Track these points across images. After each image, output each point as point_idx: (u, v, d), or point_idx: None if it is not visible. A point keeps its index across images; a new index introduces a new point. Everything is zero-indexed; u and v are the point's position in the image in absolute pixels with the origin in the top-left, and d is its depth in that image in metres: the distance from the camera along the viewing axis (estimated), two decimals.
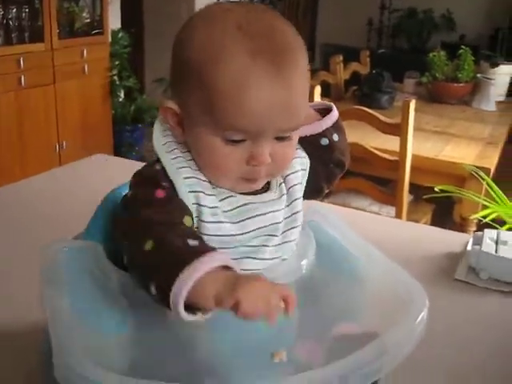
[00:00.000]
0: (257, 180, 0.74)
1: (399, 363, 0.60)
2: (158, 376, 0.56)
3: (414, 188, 2.69)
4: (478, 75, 3.75)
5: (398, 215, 2.53)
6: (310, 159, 0.83)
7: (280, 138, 0.71)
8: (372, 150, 2.47)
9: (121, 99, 4.73)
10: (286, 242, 0.78)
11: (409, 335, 0.64)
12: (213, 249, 0.63)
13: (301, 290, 0.74)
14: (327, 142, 0.84)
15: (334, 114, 0.85)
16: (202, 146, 0.71)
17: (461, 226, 2.61)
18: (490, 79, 3.71)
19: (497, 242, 1.31)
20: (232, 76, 0.66)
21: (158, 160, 0.74)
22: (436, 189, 2.00)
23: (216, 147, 0.70)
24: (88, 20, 4.36)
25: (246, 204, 0.74)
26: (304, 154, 0.83)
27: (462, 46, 3.71)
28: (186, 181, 0.71)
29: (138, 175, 0.74)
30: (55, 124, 4.02)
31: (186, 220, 0.69)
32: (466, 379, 0.99)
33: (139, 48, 5.68)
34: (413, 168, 2.47)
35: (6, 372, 0.93)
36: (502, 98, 3.89)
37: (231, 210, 0.73)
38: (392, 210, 2.60)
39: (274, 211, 0.76)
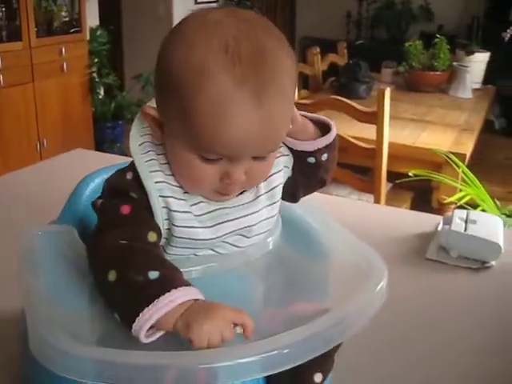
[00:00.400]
0: (230, 194, 0.73)
1: (371, 338, 0.63)
2: (125, 346, 0.59)
3: (394, 176, 2.73)
4: (454, 63, 3.80)
5: (377, 202, 2.56)
6: (292, 168, 0.82)
7: (257, 158, 0.70)
8: (349, 138, 2.50)
9: (101, 96, 4.73)
10: (256, 243, 0.78)
11: (368, 303, 0.67)
12: (173, 280, 0.64)
13: (267, 264, 0.78)
14: (314, 160, 0.81)
15: (331, 136, 0.81)
16: (177, 158, 0.70)
17: (439, 211, 2.65)
18: (466, 67, 3.76)
19: (466, 221, 1.35)
20: (211, 102, 0.64)
21: (131, 165, 0.73)
22: (410, 173, 2.04)
23: (191, 162, 0.69)
24: (66, 18, 4.36)
25: (218, 209, 0.74)
26: (288, 152, 0.81)
27: (438, 35, 3.75)
28: (157, 185, 0.71)
29: (107, 184, 0.75)
30: (35, 122, 4.02)
31: (151, 236, 0.69)
32: (437, 356, 1.02)
33: (118, 45, 5.67)
34: (390, 156, 2.50)
35: None
36: (478, 86, 3.95)
37: (203, 214, 0.74)
38: (371, 198, 2.63)
39: (248, 214, 0.76)
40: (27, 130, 3.98)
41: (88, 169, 0.95)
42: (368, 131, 2.55)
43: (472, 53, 3.92)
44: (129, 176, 0.73)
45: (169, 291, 0.61)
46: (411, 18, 7.21)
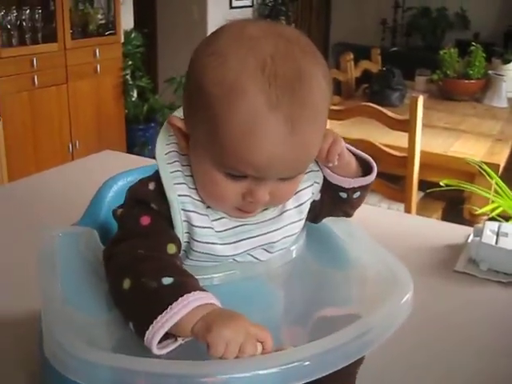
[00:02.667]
0: (252, 212, 0.72)
1: (397, 350, 0.61)
2: (141, 355, 0.58)
3: (425, 185, 2.69)
4: (490, 72, 3.74)
5: (408, 212, 2.53)
6: (321, 193, 0.80)
7: (284, 178, 0.69)
8: (380, 146, 2.47)
9: (134, 99, 4.76)
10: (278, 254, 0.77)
11: (392, 316, 0.65)
12: (186, 285, 0.62)
13: (289, 273, 0.76)
14: (345, 196, 0.80)
15: (371, 178, 0.80)
16: (201, 173, 0.69)
17: (470, 223, 2.60)
18: (502, 76, 3.70)
19: (497, 234, 1.32)
20: (243, 122, 0.62)
21: (154, 175, 0.72)
22: (441, 183, 2.00)
23: (215, 178, 0.67)
24: (103, 21, 4.41)
25: (240, 225, 0.73)
26: (317, 168, 0.78)
27: (473, 43, 3.70)
28: (180, 198, 0.70)
29: (129, 193, 0.74)
30: (68, 123, 4.06)
31: (170, 248, 0.68)
32: (465, 370, 0.99)
33: (152, 48, 5.71)
34: (422, 164, 2.46)
35: (6, 361, 0.95)
36: None
37: (224, 230, 0.72)
38: (402, 207, 2.60)
39: (271, 231, 0.74)
40: (60, 130, 4.02)
41: (115, 171, 0.95)
42: (400, 139, 2.52)
43: (508, 61, 3.85)
44: (151, 186, 0.71)
45: (182, 296, 0.60)
46: (447, 26, 7.15)
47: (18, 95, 3.68)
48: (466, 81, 3.69)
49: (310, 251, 0.79)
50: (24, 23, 3.79)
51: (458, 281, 1.25)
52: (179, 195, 0.70)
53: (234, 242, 0.72)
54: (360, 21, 7.54)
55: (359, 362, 0.71)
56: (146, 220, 0.69)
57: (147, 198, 0.70)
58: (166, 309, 0.59)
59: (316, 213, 0.81)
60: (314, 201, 0.80)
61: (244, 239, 0.73)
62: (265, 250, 0.75)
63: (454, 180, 2.14)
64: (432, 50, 6.29)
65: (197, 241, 0.71)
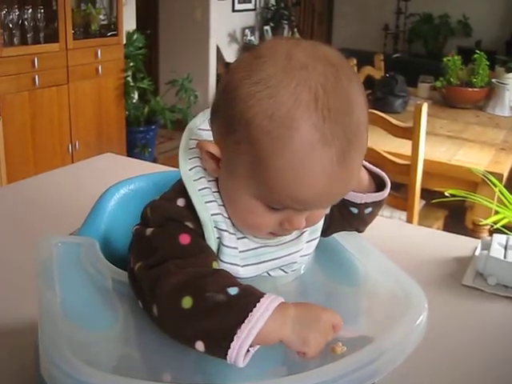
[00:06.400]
0: (282, 236, 0.71)
1: (403, 368, 0.58)
2: (144, 376, 0.55)
3: (428, 193, 2.66)
4: (493, 80, 3.72)
5: (410, 220, 2.50)
6: (331, 208, 0.78)
7: None
8: (383, 153, 2.45)
9: (134, 100, 4.74)
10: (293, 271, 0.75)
11: (406, 338, 0.62)
12: (254, 290, 0.60)
13: (298, 290, 0.73)
14: (356, 211, 0.79)
15: (384, 194, 0.79)
16: (237, 200, 0.66)
17: (473, 232, 2.58)
18: (505, 84, 3.67)
19: (506, 248, 1.29)
20: (296, 158, 0.60)
21: (178, 190, 0.69)
22: (446, 193, 1.98)
23: (254, 208, 0.65)
24: (105, 22, 4.39)
25: (261, 247, 0.71)
26: None
27: (477, 51, 3.68)
28: (213, 217, 0.67)
29: (156, 211, 0.69)
30: (68, 124, 4.04)
31: (215, 265, 0.66)
32: None
33: (154, 50, 5.69)
34: (425, 173, 2.44)
35: (2, 371, 0.91)
36: None
37: (246, 251, 0.70)
38: (404, 215, 2.57)
39: (291, 253, 0.73)
40: (60, 131, 3.99)
41: (115, 176, 0.92)
42: (403, 146, 2.50)
43: None
44: (180, 203, 0.68)
45: (258, 301, 0.57)
46: (449, 33, 7.14)
47: (19, 95, 3.65)
48: (470, 89, 3.66)
49: (318, 266, 0.77)
50: (26, 23, 3.77)
51: (466, 295, 1.22)
52: (212, 214, 0.67)
53: (255, 264, 0.71)
54: (362, 26, 7.54)
55: None
56: (185, 239, 0.65)
57: (179, 216, 0.67)
58: (247, 317, 0.56)
59: (325, 227, 0.79)
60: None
61: (265, 261, 0.71)
62: (282, 270, 0.74)
63: (457, 189, 2.11)
64: (434, 56, 6.29)
65: (222, 261, 0.69)
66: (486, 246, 1.32)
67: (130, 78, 4.59)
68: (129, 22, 4.69)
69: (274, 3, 6.64)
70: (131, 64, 4.60)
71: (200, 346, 0.58)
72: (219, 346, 0.56)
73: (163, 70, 5.79)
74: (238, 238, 0.69)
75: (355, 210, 0.78)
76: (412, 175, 2.42)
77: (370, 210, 0.79)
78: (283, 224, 0.66)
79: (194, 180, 0.69)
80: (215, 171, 0.68)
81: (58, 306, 0.62)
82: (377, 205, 0.79)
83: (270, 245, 0.71)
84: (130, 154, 4.50)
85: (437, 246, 1.46)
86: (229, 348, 0.56)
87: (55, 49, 3.86)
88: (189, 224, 0.67)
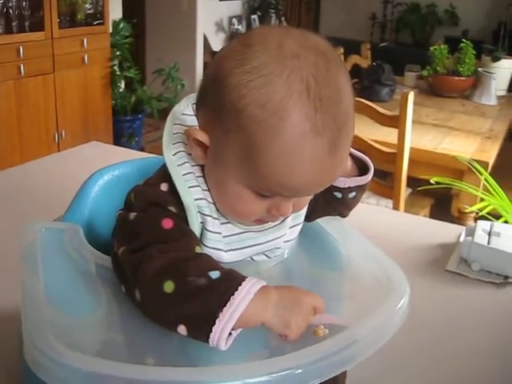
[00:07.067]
0: (268, 223, 0.71)
1: (389, 356, 0.59)
2: (127, 359, 0.55)
3: (414, 182, 2.68)
4: (480, 69, 3.73)
5: (396, 208, 2.51)
6: (316, 194, 0.76)
7: None
8: (369, 141, 2.45)
9: (121, 90, 4.71)
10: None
11: (384, 324, 0.63)
12: (236, 274, 0.60)
13: (281, 274, 0.74)
14: (340, 196, 0.79)
15: (367, 178, 0.79)
16: (224, 187, 0.66)
17: (458, 220, 2.60)
18: (491, 73, 3.69)
19: (490, 234, 1.30)
20: (287, 148, 0.60)
21: (162, 175, 0.69)
22: (431, 181, 1.99)
23: (242, 196, 0.65)
24: (91, 11, 4.35)
25: (245, 232, 0.71)
26: None
27: (463, 40, 3.69)
28: (197, 202, 0.67)
29: (139, 196, 0.68)
30: (54, 113, 4.01)
31: (197, 249, 0.65)
32: (456, 370, 0.98)
33: (141, 39, 5.66)
34: (411, 161, 2.45)
35: None
36: (503, 93, 3.88)
37: (230, 236, 0.70)
38: (390, 203, 2.58)
39: (275, 238, 0.73)
40: (46, 120, 3.96)
41: (101, 163, 0.92)
42: (389, 135, 2.51)
43: (498, 59, 3.84)
44: (163, 188, 0.68)
45: (240, 285, 0.58)
46: (436, 22, 7.15)
47: (4, 84, 3.62)
48: (456, 78, 3.67)
49: (302, 251, 0.77)
50: (11, 11, 3.73)
51: (450, 281, 1.24)
52: (195, 199, 0.67)
53: (239, 249, 0.71)
54: (349, 15, 7.53)
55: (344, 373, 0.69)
56: (168, 223, 0.65)
57: (162, 201, 0.67)
58: (229, 300, 0.56)
59: (309, 212, 0.79)
60: None
61: (249, 246, 0.72)
62: (265, 255, 0.74)
63: (443, 177, 2.13)
64: (421, 46, 6.29)
65: (205, 246, 0.69)
66: (471, 233, 1.33)
67: (116, 67, 4.56)
68: (115, 10, 4.65)
69: None
70: (118, 53, 4.57)
71: (182, 329, 0.58)
72: (201, 329, 0.57)
73: (150, 59, 5.76)
74: (222, 223, 0.69)
75: (339, 195, 0.79)
76: (398, 163, 2.43)
77: (353, 194, 0.79)
78: (271, 211, 0.67)
79: (178, 165, 0.68)
80: (202, 158, 0.68)
81: (41, 292, 0.62)
82: (360, 189, 0.79)
83: (254, 230, 0.71)
84: (117, 143, 4.47)
85: (422, 232, 1.47)
86: (211, 331, 0.56)
87: (41, 37, 3.82)
88: (172, 209, 0.66)
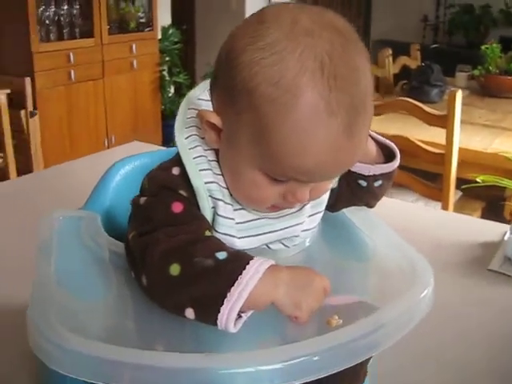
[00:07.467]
0: (284, 209, 0.69)
1: (424, 351, 0.56)
2: (135, 345, 0.54)
3: (464, 184, 2.60)
4: None
5: (445, 210, 2.45)
6: (340, 180, 0.75)
7: None
8: (418, 142, 2.39)
9: (170, 94, 4.76)
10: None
11: (408, 312, 0.60)
12: (243, 254, 0.59)
13: (303, 262, 0.71)
14: (365, 184, 0.76)
15: (393, 165, 0.75)
16: (238, 172, 0.64)
17: (510, 223, 2.52)
18: None
19: None
20: (301, 128, 0.58)
21: (175, 160, 0.67)
22: (478, 179, 1.92)
23: (256, 180, 0.63)
24: (143, 20, 4.42)
25: (260, 218, 0.69)
26: None
27: None
28: (207, 185, 0.65)
29: (151, 180, 0.68)
30: (104, 118, 4.08)
31: (207, 233, 0.64)
32: (498, 371, 0.93)
33: (190, 44, 5.71)
34: (460, 162, 2.38)
35: (3, 350, 0.90)
36: None
37: (243, 222, 0.68)
38: (438, 206, 2.52)
39: (292, 226, 0.71)
40: (96, 125, 4.03)
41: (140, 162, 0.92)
42: (438, 136, 2.44)
43: None
44: (175, 172, 0.66)
45: (248, 264, 0.56)
46: (491, 23, 6.98)
47: (55, 89, 3.70)
48: (509, 77, 3.57)
49: (324, 240, 0.74)
50: (62, 18, 3.82)
51: (492, 280, 1.18)
52: (206, 182, 0.65)
53: (253, 236, 0.69)
54: (401, 18, 7.42)
55: (366, 361, 0.66)
56: (178, 207, 0.64)
57: (173, 185, 0.65)
58: (237, 279, 0.55)
59: (333, 202, 0.77)
60: (332, 189, 0.75)
61: (264, 233, 0.69)
62: (282, 243, 0.72)
63: (492, 177, 2.06)
64: (474, 47, 6.16)
65: (217, 231, 0.67)
66: None
67: (165, 73, 4.61)
68: (164, 17, 4.71)
69: None
70: (167, 59, 4.62)
71: (190, 313, 0.56)
72: (209, 311, 0.55)
73: (199, 64, 5.79)
74: (235, 210, 0.67)
75: (364, 183, 0.76)
76: (446, 164, 2.37)
77: (379, 182, 0.76)
78: (286, 196, 0.64)
79: (190, 148, 0.67)
80: (216, 142, 0.66)
81: (52, 274, 0.62)
82: (386, 177, 0.76)
83: (270, 217, 0.69)
84: (166, 147, 4.50)
85: (465, 230, 1.42)
86: (219, 312, 0.54)
87: (90, 44, 3.90)
88: (182, 192, 0.65)
